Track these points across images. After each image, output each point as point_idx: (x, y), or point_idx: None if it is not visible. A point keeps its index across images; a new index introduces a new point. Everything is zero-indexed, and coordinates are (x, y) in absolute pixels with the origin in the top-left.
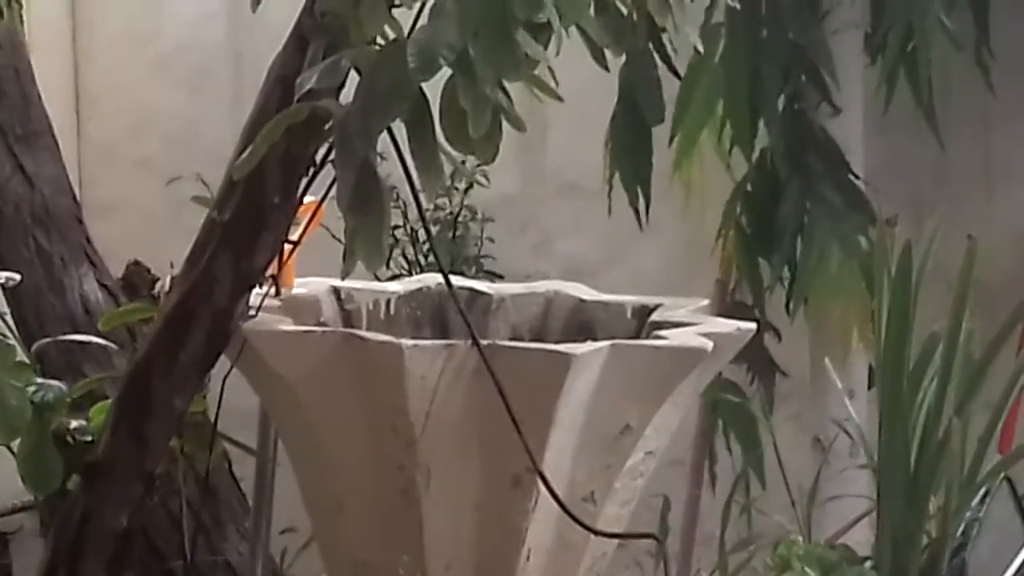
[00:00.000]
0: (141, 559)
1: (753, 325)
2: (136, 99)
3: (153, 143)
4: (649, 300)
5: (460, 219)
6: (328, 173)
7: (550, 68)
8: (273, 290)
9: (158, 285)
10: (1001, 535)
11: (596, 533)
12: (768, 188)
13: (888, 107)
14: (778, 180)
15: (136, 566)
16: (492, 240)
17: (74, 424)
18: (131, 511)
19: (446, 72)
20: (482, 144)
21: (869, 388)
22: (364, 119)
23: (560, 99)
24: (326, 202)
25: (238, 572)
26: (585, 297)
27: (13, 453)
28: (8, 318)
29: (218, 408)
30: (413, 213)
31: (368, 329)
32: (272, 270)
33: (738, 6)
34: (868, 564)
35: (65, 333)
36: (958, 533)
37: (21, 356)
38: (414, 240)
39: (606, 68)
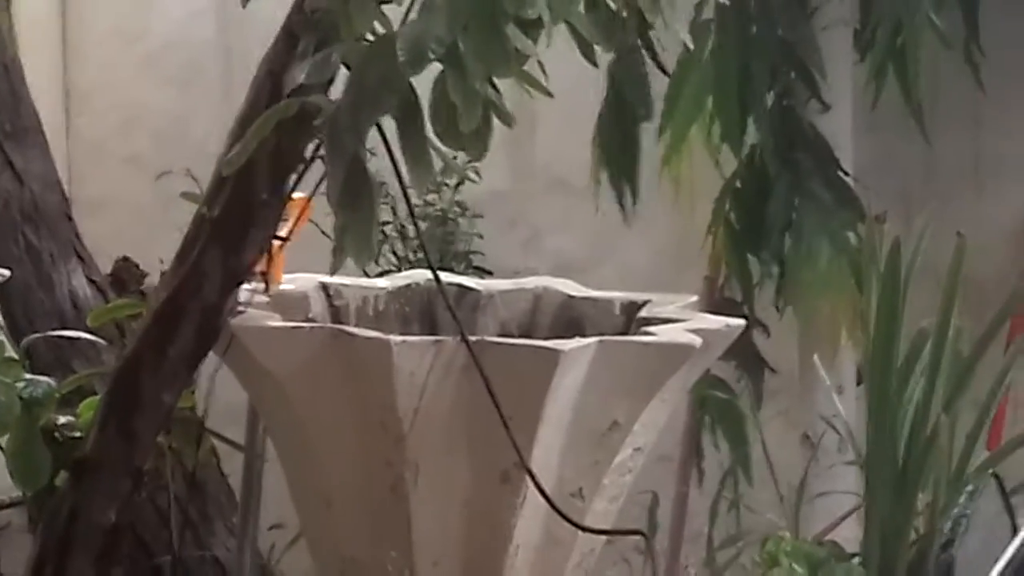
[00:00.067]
0: (129, 555)
1: (742, 321)
2: (125, 96)
3: (142, 140)
4: (638, 296)
5: (449, 215)
6: (318, 169)
7: (540, 63)
8: (262, 286)
9: (147, 281)
10: (989, 531)
11: (584, 529)
12: (757, 184)
13: (876, 104)
14: (767, 176)
15: (124, 562)
16: (481, 236)
17: (63, 420)
18: (119, 507)
19: (436, 69)
20: (472, 140)
21: (858, 384)
22: (354, 114)
23: (550, 94)
24: (315, 198)
25: (226, 568)
26: (574, 293)
27: (1, 449)
28: None
29: (206, 404)
30: (402, 209)
31: (357, 325)
32: (261, 266)
33: (727, 3)
34: (856, 560)
35: (54, 329)
36: (946, 529)
37: (10, 352)
38: (403, 236)
39: (595, 64)
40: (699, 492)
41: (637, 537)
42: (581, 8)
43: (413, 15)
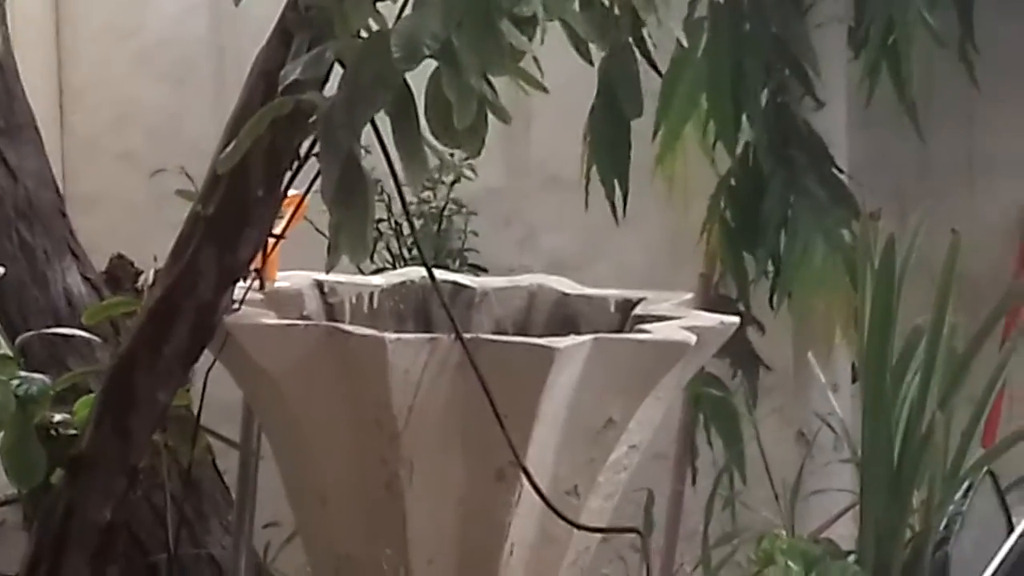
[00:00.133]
0: (124, 553)
1: (736, 319)
2: (119, 93)
3: (136, 137)
4: (632, 294)
5: (444, 213)
6: (312, 166)
7: (535, 59)
8: (257, 284)
9: (141, 279)
10: (984, 529)
11: (579, 527)
12: (752, 182)
13: (870, 101)
14: (762, 174)
15: (119, 560)
16: (476, 234)
17: (58, 418)
18: (115, 505)
19: (431, 66)
20: (467, 136)
21: (853, 382)
22: (348, 111)
23: (546, 90)
24: (310, 195)
25: (221, 565)
26: (568, 291)
27: None
28: None
29: (201, 402)
30: (397, 206)
31: (351, 323)
32: (256, 264)
33: (721, 0)
34: (851, 558)
35: (48, 326)
36: (941, 527)
37: (4, 349)
38: (398, 234)
39: (590, 62)
40: (694, 490)
41: (632, 535)
42: (576, 5)
43: (408, 11)
